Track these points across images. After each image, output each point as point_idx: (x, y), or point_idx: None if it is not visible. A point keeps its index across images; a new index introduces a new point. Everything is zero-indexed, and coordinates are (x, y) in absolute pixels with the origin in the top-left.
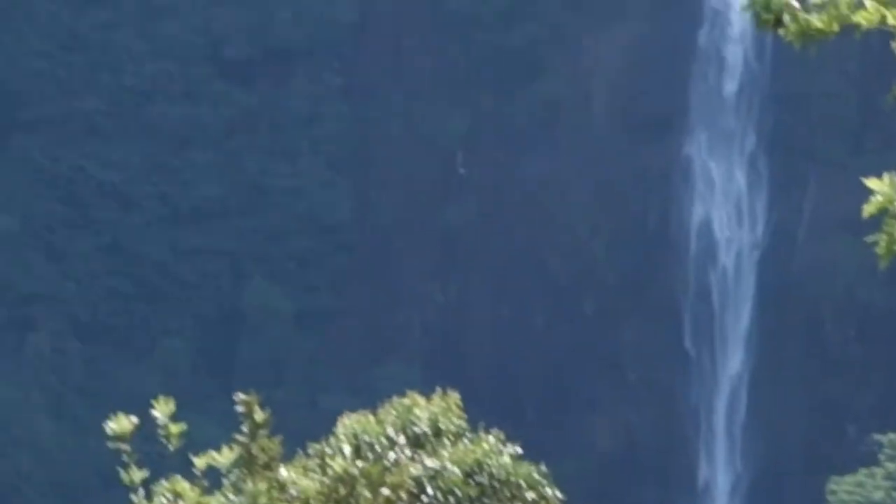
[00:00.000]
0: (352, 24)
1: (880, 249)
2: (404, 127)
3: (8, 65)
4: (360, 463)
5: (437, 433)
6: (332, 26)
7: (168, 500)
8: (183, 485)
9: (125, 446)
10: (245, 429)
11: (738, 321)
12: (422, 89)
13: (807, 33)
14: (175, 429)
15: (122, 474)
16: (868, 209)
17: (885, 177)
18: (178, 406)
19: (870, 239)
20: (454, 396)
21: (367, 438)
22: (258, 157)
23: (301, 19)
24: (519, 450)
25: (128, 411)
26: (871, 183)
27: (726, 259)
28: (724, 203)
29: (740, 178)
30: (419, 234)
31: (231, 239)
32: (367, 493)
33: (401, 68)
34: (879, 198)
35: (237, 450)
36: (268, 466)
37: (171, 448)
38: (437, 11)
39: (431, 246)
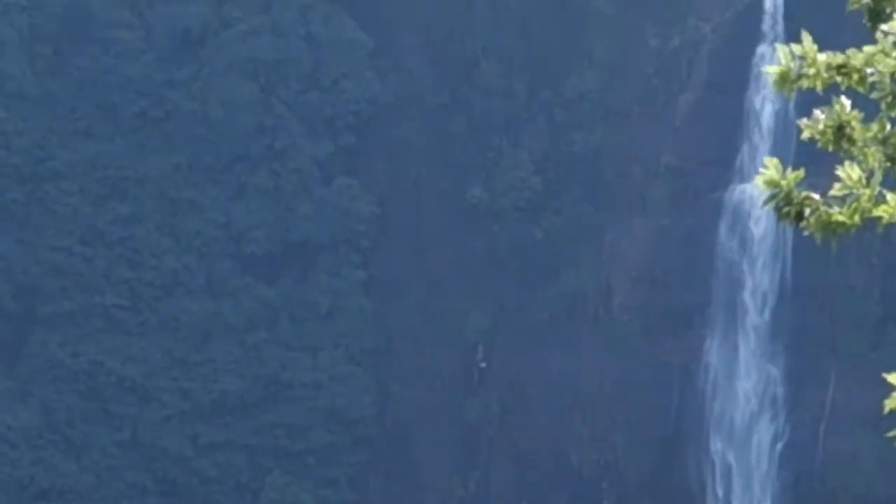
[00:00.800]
0: (373, 217)
1: None
2: (425, 320)
3: (28, 259)
4: None
5: None
6: (353, 220)
7: None
8: None
9: None
10: None
11: None
12: (443, 282)
13: (828, 226)
14: None
15: None
16: (890, 404)
17: None
18: None
19: (891, 434)
20: None
21: None
22: (279, 352)
23: (322, 213)
24: None
25: None
26: (893, 378)
27: (749, 454)
28: (745, 397)
29: (761, 371)
30: (440, 428)
31: (251, 433)
32: None
33: (422, 261)
34: None
35: None
36: None
37: None
38: (458, 205)
39: (452, 440)
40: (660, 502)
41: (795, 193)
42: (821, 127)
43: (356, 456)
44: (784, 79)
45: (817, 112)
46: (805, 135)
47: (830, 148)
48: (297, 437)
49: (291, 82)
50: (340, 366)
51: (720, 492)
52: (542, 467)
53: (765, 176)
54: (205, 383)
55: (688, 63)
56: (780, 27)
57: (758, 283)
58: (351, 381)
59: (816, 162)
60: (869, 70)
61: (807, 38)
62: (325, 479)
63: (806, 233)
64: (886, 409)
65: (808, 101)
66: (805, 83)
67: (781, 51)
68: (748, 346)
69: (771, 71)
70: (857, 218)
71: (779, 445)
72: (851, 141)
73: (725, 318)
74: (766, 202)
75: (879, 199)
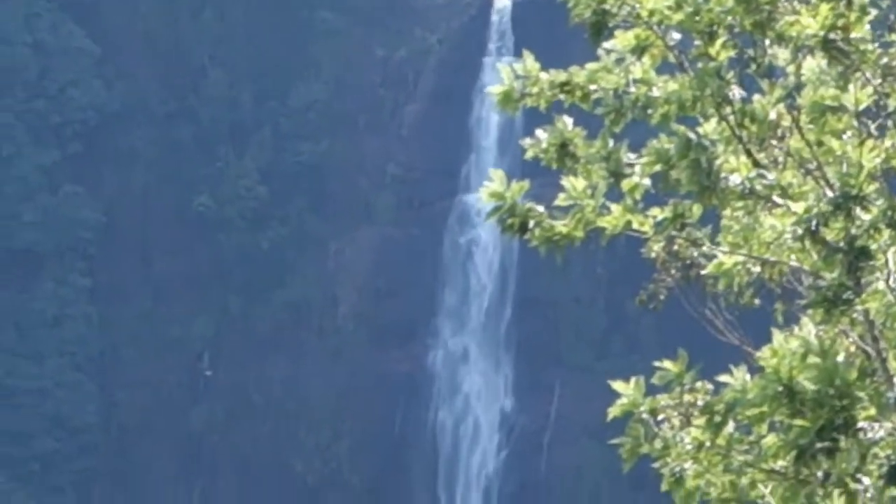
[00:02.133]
0: (99, 224)
1: (625, 453)
2: (151, 328)
3: None
4: None
5: None
6: (79, 227)
7: None
8: None
9: None
10: None
11: None
12: (169, 290)
13: (551, 239)
14: None
15: None
16: (613, 411)
17: (632, 380)
18: None
19: (613, 441)
20: None
21: None
22: (4, 358)
23: (48, 221)
24: None
25: None
26: (618, 386)
27: (472, 463)
28: (471, 407)
29: (487, 382)
30: (165, 435)
31: None
32: None
33: (149, 269)
34: (625, 400)
35: None
36: None
37: None
38: (183, 213)
39: (177, 448)
40: None
41: (519, 206)
42: (544, 146)
43: (81, 463)
44: (508, 98)
45: (539, 132)
46: (529, 154)
47: (555, 166)
48: (22, 444)
49: (17, 90)
50: (66, 373)
51: (444, 500)
52: (267, 476)
53: (489, 188)
54: None
55: (415, 74)
56: (509, 39)
57: (483, 294)
58: (76, 388)
59: (543, 173)
60: (592, 87)
61: (528, 57)
62: (50, 485)
63: (531, 245)
64: (609, 417)
65: (535, 112)
66: (529, 101)
67: (504, 70)
68: (474, 356)
69: (494, 91)
70: (580, 229)
71: (503, 454)
72: (575, 158)
73: (451, 327)
74: (489, 215)
75: (603, 210)
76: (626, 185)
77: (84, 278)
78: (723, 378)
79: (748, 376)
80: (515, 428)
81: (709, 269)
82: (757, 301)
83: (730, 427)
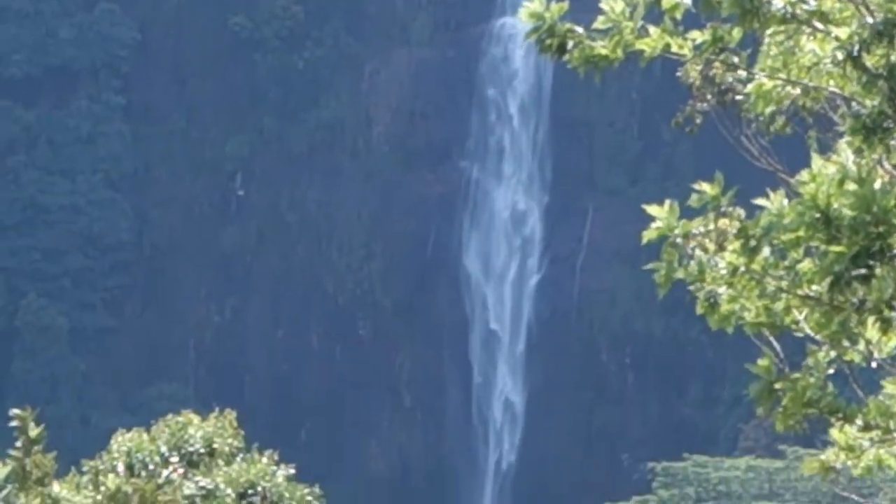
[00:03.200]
0: (133, 43)
1: (659, 277)
2: (184, 148)
3: None
4: (133, 481)
5: (212, 453)
6: (114, 45)
7: None
8: None
9: None
10: (19, 444)
11: (515, 349)
12: (203, 110)
13: (590, 60)
14: None
15: None
16: (647, 235)
17: (666, 203)
18: None
19: (648, 266)
20: (230, 416)
21: (140, 456)
22: (37, 175)
23: (83, 38)
24: (293, 471)
25: None
26: (652, 209)
27: (505, 286)
28: (503, 230)
29: (520, 205)
30: (197, 254)
31: (6, 256)
32: None
33: (182, 89)
34: (659, 224)
35: (11, 465)
36: (41, 482)
37: None
38: (219, 33)
39: (209, 267)
40: (416, 333)
41: (559, 26)
42: None
43: (113, 280)
44: None
45: None
46: None
47: None
48: (55, 261)
49: None
50: (99, 190)
51: (477, 321)
52: (298, 295)
53: (528, 8)
54: None
55: None
56: None
57: (517, 116)
58: (109, 205)
59: None
60: None
61: None
62: (81, 302)
63: (569, 66)
64: (644, 241)
65: None
66: None
67: None
68: (506, 178)
69: None
70: (619, 51)
71: (535, 279)
72: None
73: (484, 150)
74: (528, 35)
75: (642, 33)
76: (666, 3)
77: (118, 96)
78: (759, 202)
79: (786, 201)
80: (548, 254)
81: (748, 89)
82: (789, 130)
83: (765, 252)
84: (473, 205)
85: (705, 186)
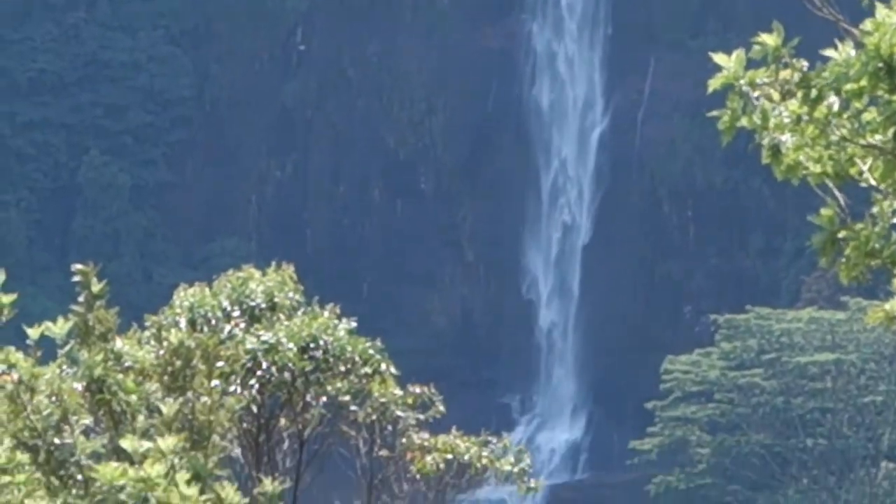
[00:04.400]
0: None
1: (723, 124)
2: (245, 2)
3: None
4: (195, 335)
5: (273, 307)
6: None
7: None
8: (16, 355)
9: None
10: (82, 300)
11: (580, 201)
12: None
13: None
14: (6, 299)
15: None
16: (713, 84)
17: (733, 53)
18: (13, 278)
19: (712, 114)
20: (289, 270)
21: (202, 311)
22: (98, 31)
23: None
24: (354, 324)
25: None
26: (718, 58)
27: (566, 140)
28: (566, 83)
29: (582, 58)
30: (258, 109)
31: (68, 112)
32: (203, 366)
33: None
34: (725, 73)
35: (73, 320)
36: (104, 337)
37: (2, 319)
38: None
39: (270, 122)
40: (477, 185)
41: None
42: None
43: (174, 136)
44: None
45: None
46: None
47: None
48: (116, 117)
49: None
50: (159, 46)
51: (545, 180)
52: (359, 150)
53: None
54: (22, 62)
55: None
56: None
57: None
58: (170, 61)
59: None
60: None
61: None
62: (143, 158)
63: None
64: (710, 90)
65: None
66: None
67: None
68: (568, 32)
69: None
70: None
71: (597, 132)
72: None
73: (545, 4)
74: None
75: None
76: None
77: None
78: (827, 52)
79: (853, 51)
80: (609, 106)
81: None
82: None
83: (830, 100)
84: (536, 59)
85: (766, 37)
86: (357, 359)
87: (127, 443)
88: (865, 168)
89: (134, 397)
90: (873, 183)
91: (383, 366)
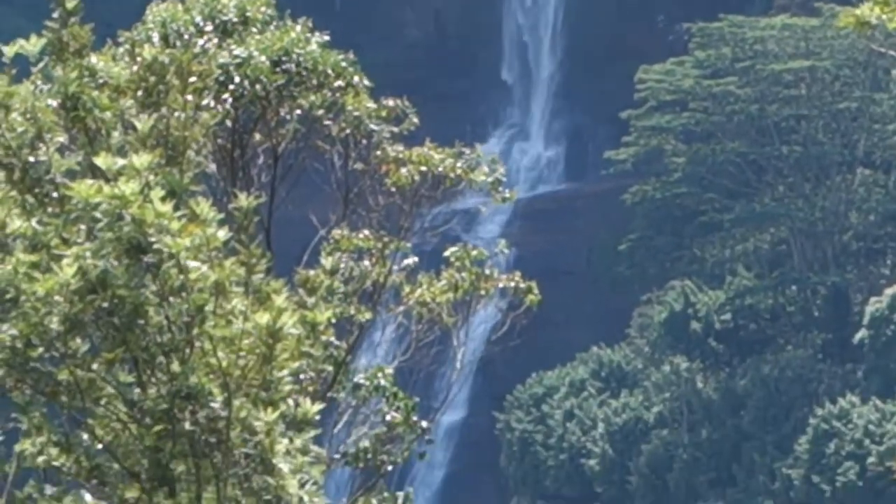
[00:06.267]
0: None
1: None
2: None
3: None
4: (169, 51)
5: (245, 21)
6: None
7: None
8: None
9: None
10: (56, 16)
11: None
12: None
13: None
14: None
15: None
16: None
17: None
18: None
19: None
20: None
21: (175, 27)
22: None
23: None
24: (327, 38)
25: None
26: None
27: None
28: None
29: None
30: None
31: None
32: (176, 81)
33: None
34: None
35: (47, 37)
36: (78, 54)
37: None
38: None
39: None
40: None
41: None
42: None
43: None
44: None
45: None
46: None
47: None
48: None
49: None
50: None
51: None
52: None
53: None
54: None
55: None
56: None
57: None
58: None
59: None
60: None
61: None
62: None
63: None
64: None
65: None
66: None
67: None
68: None
69: None
70: None
71: None
72: None
73: None
74: None
75: None
76: None
77: None
78: None
79: None
80: None
81: None
82: None
83: None
84: None
85: None
86: (330, 72)
87: (101, 160)
88: None
89: (108, 114)
90: None
91: (356, 78)
